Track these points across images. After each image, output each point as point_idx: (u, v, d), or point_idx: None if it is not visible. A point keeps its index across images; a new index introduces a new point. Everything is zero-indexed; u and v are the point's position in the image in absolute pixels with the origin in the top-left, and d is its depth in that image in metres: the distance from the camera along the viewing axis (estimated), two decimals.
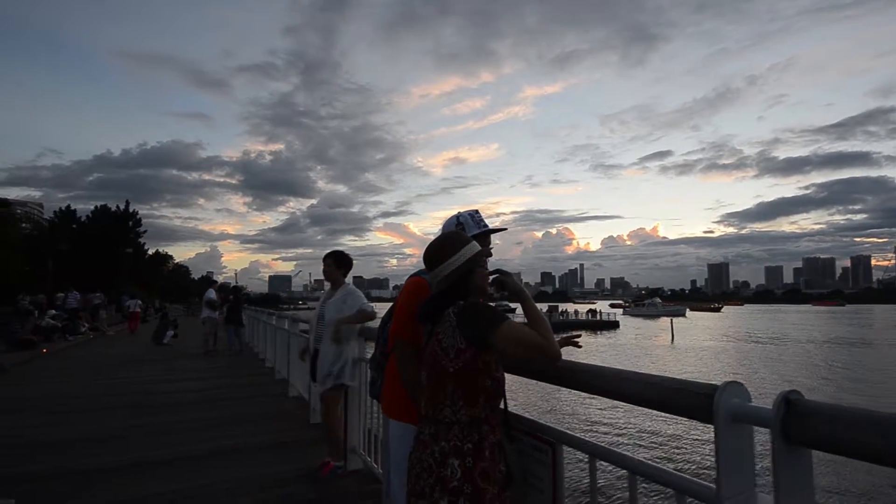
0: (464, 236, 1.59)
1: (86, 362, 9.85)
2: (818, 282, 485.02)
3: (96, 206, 43.01)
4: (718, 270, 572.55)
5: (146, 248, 52.02)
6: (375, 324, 2.68)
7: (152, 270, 55.77)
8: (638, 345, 36.16)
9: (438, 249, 1.53)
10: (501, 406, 1.49)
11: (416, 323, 1.64)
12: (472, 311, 1.38)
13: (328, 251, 3.72)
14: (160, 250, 69.83)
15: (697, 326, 57.84)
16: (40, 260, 27.50)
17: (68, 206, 41.50)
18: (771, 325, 60.56)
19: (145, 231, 46.86)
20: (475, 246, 1.56)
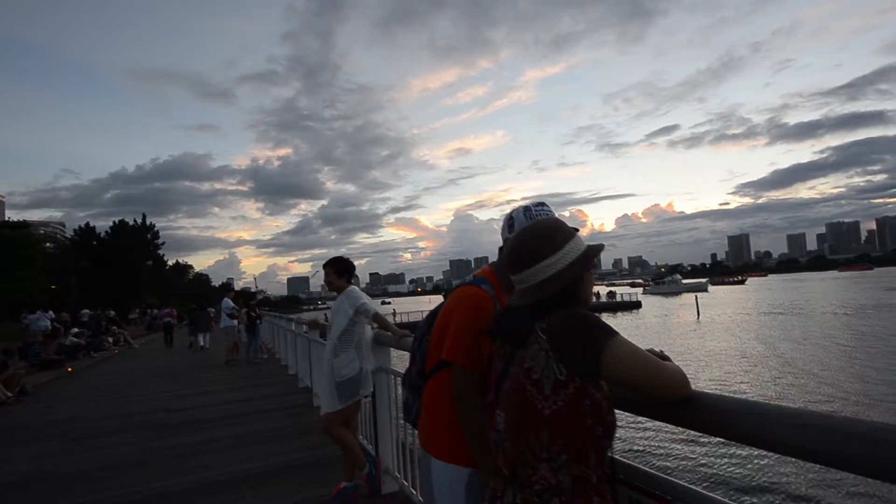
0: (566, 228, 1.11)
1: (109, 380, 9.73)
2: (843, 247, 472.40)
3: (115, 222, 43.52)
4: (738, 242, 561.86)
5: (166, 259, 52.69)
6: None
7: (173, 280, 56.52)
8: (663, 324, 35.34)
9: (528, 244, 1.09)
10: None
11: (479, 347, 1.28)
12: (575, 326, 0.96)
13: (328, 259, 3.45)
14: (180, 260, 70.75)
15: (722, 301, 56.58)
16: (63, 278, 27.92)
17: (87, 224, 42.02)
18: (800, 295, 58.98)
19: (163, 243, 47.38)
20: (581, 240, 1.10)
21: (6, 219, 40.75)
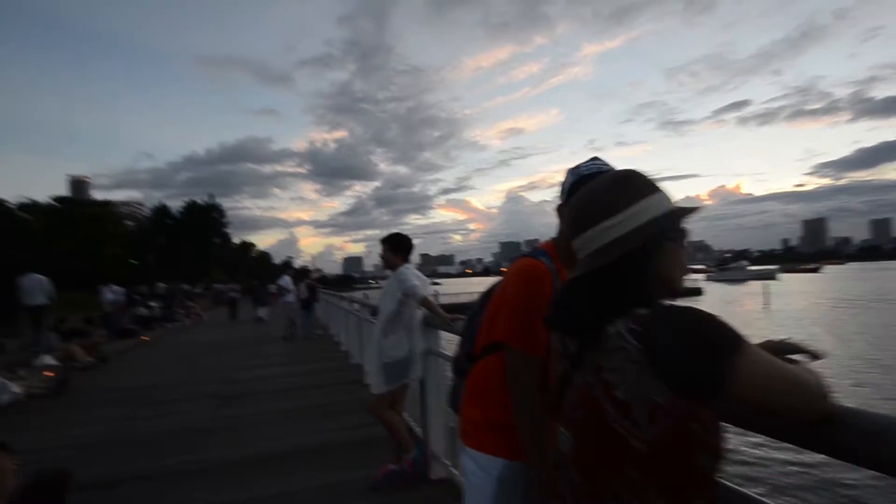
0: (643, 181, 0.85)
1: (179, 349, 10.43)
2: None
3: (186, 202, 46.54)
4: (814, 227, 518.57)
5: (232, 237, 55.82)
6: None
7: (238, 258, 59.90)
8: (725, 314, 33.17)
9: (589, 200, 0.85)
10: None
11: (538, 326, 1.09)
12: (686, 332, 0.69)
13: (385, 235, 3.36)
14: (244, 239, 74.73)
15: (793, 290, 52.64)
16: (142, 253, 30.32)
17: (162, 204, 45.25)
18: (883, 284, 53.76)
19: (229, 222, 50.17)
20: (665, 199, 0.84)
21: (92, 198, 44.55)
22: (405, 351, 3.10)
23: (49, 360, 7.78)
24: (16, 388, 5.75)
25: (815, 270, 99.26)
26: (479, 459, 1.34)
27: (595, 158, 1.29)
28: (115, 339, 11.43)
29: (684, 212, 0.82)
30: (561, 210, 1.31)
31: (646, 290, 0.79)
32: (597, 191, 0.86)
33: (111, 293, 17.28)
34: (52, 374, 6.74)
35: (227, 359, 8.66)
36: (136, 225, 43.08)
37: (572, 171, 1.28)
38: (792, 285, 60.30)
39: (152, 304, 15.48)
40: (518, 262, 1.34)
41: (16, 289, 10.40)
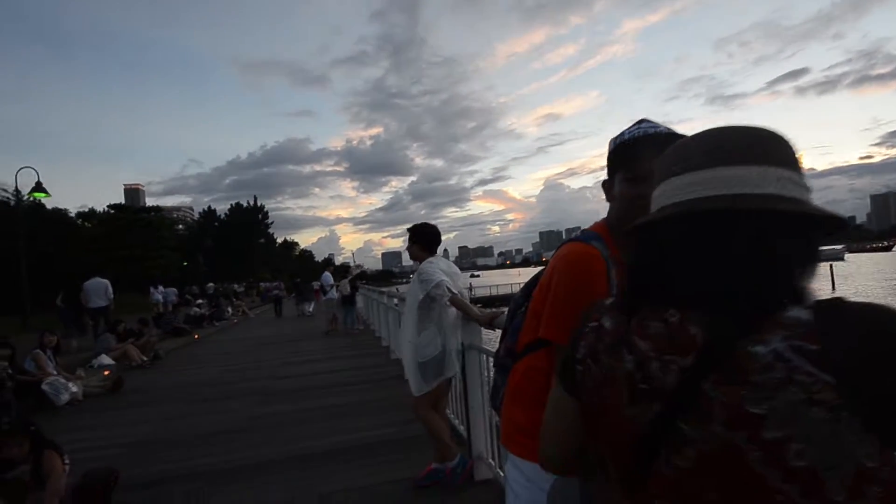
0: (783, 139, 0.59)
1: (227, 347, 10.72)
2: None
3: (232, 205, 48.40)
4: (884, 202, 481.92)
5: (275, 237, 57.62)
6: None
7: (283, 257, 61.82)
8: None
9: (757, 135, 0.57)
10: None
11: None
12: None
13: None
14: (287, 238, 77.08)
15: (862, 271, 48.99)
16: (192, 255, 31.79)
17: (209, 207, 47.23)
18: None
19: (272, 222, 51.80)
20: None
21: (145, 205, 47.11)
22: (438, 348, 2.90)
23: (106, 359, 8.14)
24: (74, 387, 5.98)
25: (887, 249, 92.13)
26: (525, 468, 1.13)
27: (644, 120, 1.07)
28: (168, 337, 11.91)
29: (838, 222, 0.55)
30: (607, 186, 1.12)
31: (799, 286, 0.51)
32: (756, 132, 0.58)
33: (159, 294, 18.29)
34: (108, 374, 7.01)
35: (271, 355, 8.80)
36: (186, 228, 45.31)
37: (615, 139, 1.08)
38: (861, 266, 56.18)
39: (201, 302, 16.07)
40: (564, 247, 1.12)
41: (79, 292, 11.08)
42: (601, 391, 0.59)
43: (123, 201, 41.08)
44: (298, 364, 7.73)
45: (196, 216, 59.22)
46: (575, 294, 1.01)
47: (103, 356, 8.18)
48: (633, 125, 1.07)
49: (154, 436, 4.45)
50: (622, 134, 1.07)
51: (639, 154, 1.00)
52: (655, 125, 1.05)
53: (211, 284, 25.97)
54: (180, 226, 52.33)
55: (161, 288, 19.26)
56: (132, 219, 30.37)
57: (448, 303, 2.86)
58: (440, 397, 3.11)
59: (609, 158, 1.09)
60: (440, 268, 2.95)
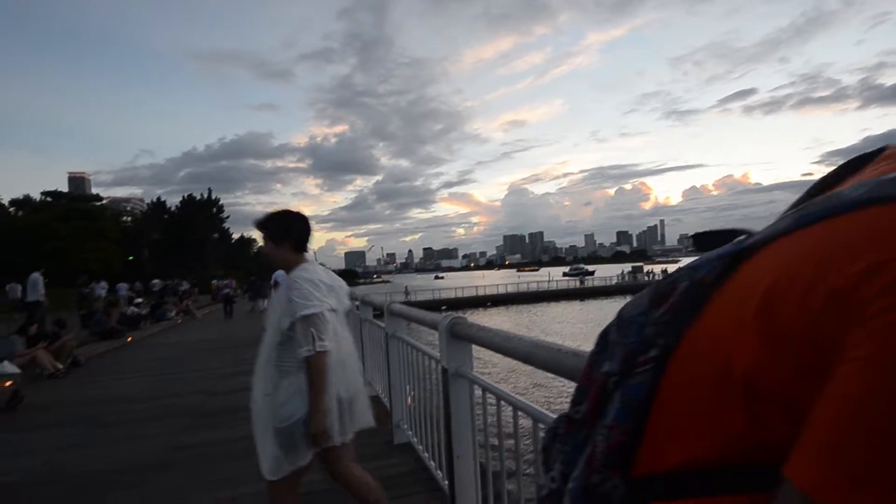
0: None
1: (163, 352, 9.52)
2: None
3: (183, 196, 45.61)
4: None
5: (231, 232, 54.96)
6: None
7: (239, 253, 59.09)
8: None
9: None
10: None
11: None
12: None
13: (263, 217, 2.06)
14: (245, 235, 73.89)
15: None
16: (137, 250, 29.44)
17: (159, 198, 44.28)
18: None
19: (228, 216, 49.22)
20: None
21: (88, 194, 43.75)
22: (306, 405, 1.85)
23: (9, 367, 6.84)
24: None
25: None
26: None
27: None
28: (98, 340, 10.54)
29: None
30: None
31: None
32: None
33: (101, 289, 16.68)
34: (9, 384, 5.81)
35: (212, 363, 7.74)
36: (134, 221, 42.26)
37: None
38: None
39: (140, 300, 14.58)
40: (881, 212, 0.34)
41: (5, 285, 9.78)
42: None
43: (67, 190, 37.92)
44: (243, 375, 6.72)
45: (146, 208, 55.74)
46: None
47: (6, 363, 6.88)
48: None
49: (35, 475, 3.43)
50: None
51: None
52: None
53: (156, 281, 24.08)
54: (127, 218, 48.96)
55: (104, 283, 17.82)
56: (69, 207, 27.81)
57: (307, 360, 1.81)
58: (342, 456, 2.05)
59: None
60: (321, 280, 1.94)
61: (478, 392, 2.10)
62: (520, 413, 1.70)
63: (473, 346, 2.18)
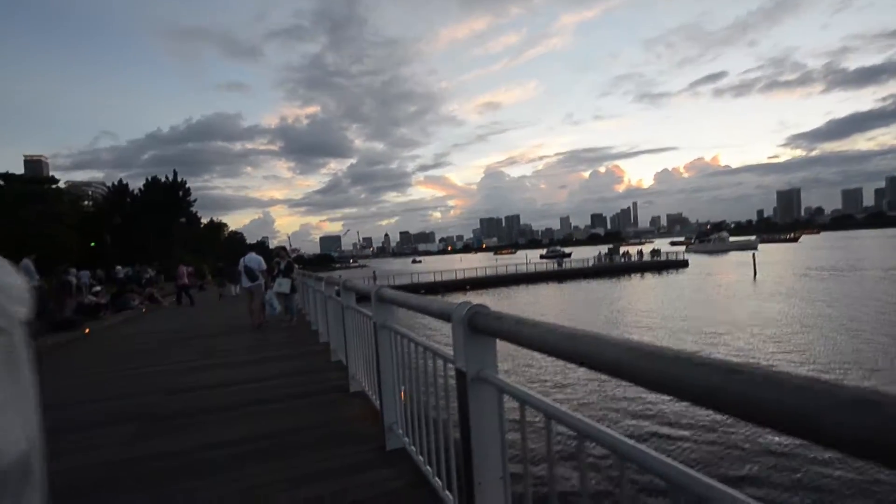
0: None
1: (122, 345, 8.70)
2: None
3: (147, 179, 43.30)
4: (788, 197, 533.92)
5: (200, 217, 52.88)
6: None
7: (208, 239, 57.01)
8: (716, 285, 32.89)
9: None
10: None
11: None
12: None
13: None
14: (214, 219, 71.37)
15: (775, 260, 53.20)
16: (98, 236, 27.77)
17: (121, 181, 41.96)
18: (864, 253, 54.82)
19: (195, 200, 47.10)
20: None
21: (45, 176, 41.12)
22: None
23: None
24: None
25: (795, 240, 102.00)
26: None
27: None
28: (50, 332, 9.61)
29: None
30: None
31: None
32: None
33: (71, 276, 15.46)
34: None
35: (177, 356, 7.02)
36: (94, 205, 39.96)
37: None
38: (773, 255, 60.96)
39: (98, 288, 13.55)
40: None
41: None
42: None
43: (23, 174, 35.45)
44: (209, 369, 6.07)
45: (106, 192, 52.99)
46: None
47: None
48: None
49: None
50: None
51: None
52: None
53: (120, 267, 22.78)
54: (88, 202, 46.42)
55: (75, 271, 16.61)
56: (21, 191, 25.89)
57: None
58: None
59: None
60: None
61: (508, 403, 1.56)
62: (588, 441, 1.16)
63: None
